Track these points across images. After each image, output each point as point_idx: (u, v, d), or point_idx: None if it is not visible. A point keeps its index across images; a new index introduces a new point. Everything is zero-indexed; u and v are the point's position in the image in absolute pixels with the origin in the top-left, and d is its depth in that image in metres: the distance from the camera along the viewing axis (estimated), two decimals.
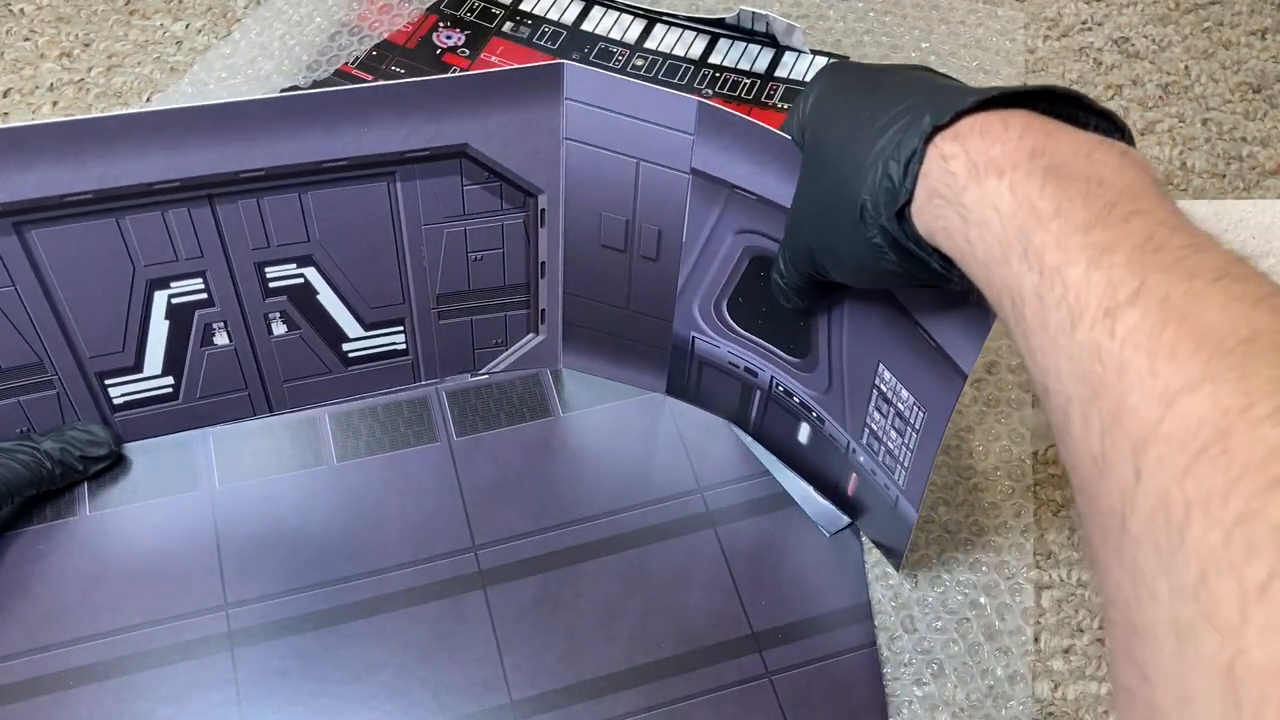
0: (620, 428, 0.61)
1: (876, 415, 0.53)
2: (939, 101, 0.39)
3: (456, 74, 0.51)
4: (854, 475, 0.56)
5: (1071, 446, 0.32)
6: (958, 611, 0.55)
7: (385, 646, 0.53)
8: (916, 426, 0.50)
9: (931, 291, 0.47)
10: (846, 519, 0.58)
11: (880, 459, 0.54)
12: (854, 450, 0.56)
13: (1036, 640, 0.55)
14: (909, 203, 0.39)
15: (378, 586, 0.55)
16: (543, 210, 0.57)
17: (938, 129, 0.38)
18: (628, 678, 0.53)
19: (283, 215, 0.54)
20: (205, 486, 0.58)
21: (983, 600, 0.56)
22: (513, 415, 0.61)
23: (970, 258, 0.37)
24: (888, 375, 0.51)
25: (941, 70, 0.76)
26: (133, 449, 0.59)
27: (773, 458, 0.60)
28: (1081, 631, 0.55)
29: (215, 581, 0.55)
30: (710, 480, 0.59)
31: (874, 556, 0.57)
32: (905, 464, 0.52)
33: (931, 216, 0.39)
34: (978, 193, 0.37)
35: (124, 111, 0.48)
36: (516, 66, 0.53)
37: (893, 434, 0.52)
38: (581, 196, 0.56)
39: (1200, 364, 0.28)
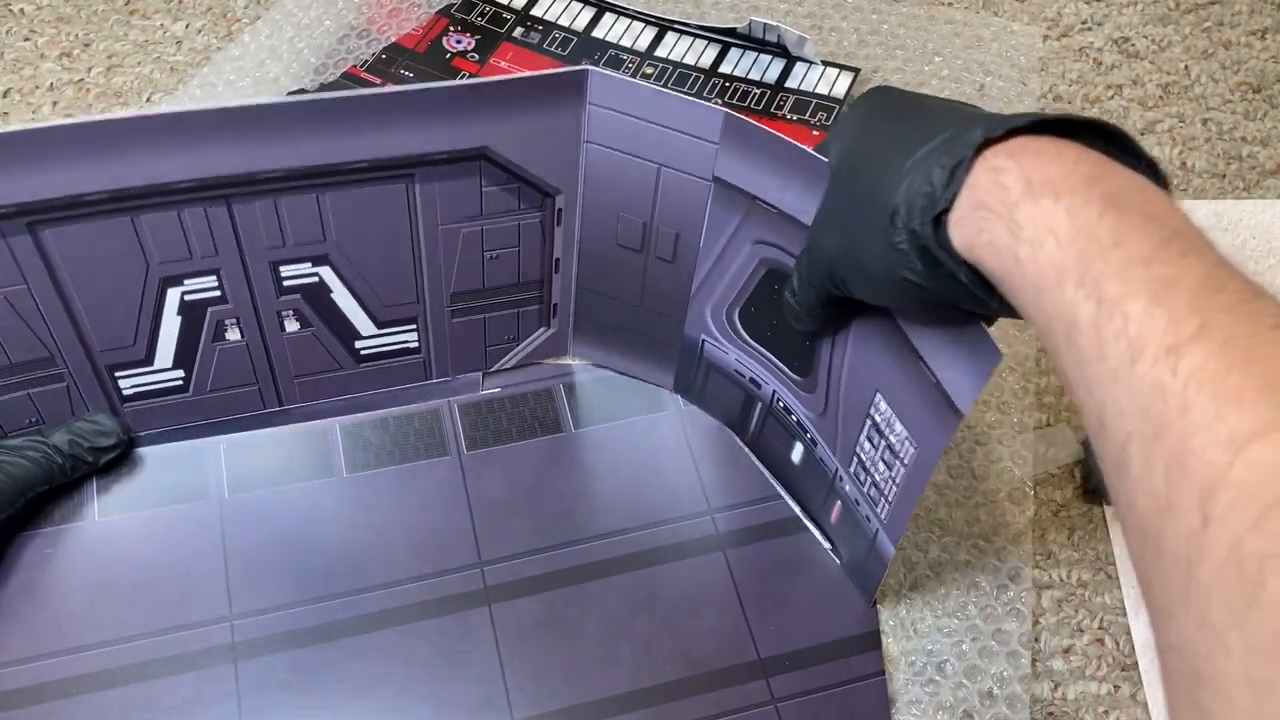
0: (632, 446, 0.61)
1: (867, 445, 0.52)
2: (989, 119, 0.39)
3: (481, 80, 0.52)
4: (838, 504, 0.56)
5: (1130, 485, 0.31)
6: (957, 612, 0.56)
7: (388, 662, 0.53)
8: (905, 461, 0.50)
9: (938, 328, 0.46)
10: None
11: (866, 490, 0.53)
12: (841, 478, 0.55)
13: (1036, 640, 0.55)
14: (947, 210, 0.39)
15: (383, 601, 0.55)
16: (559, 210, 0.57)
17: (989, 141, 0.38)
18: (631, 700, 0.52)
19: (300, 216, 0.54)
20: (214, 495, 0.58)
21: (982, 600, 0.56)
22: (524, 430, 0.61)
23: (1018, 277, 0.37)
24: (884, 406, 0.51)
25: (953, 82, 0.78)
26: (144, 455, 0.59)
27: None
28: (1081, 631, 0.56)
29: (221, 592, 0.55)
30: (721, 502, 0.59)
31: None
32: (890, 498, 0.52)
33: (975, 229, 0.38)
34: (1032, 211, 0.36)
35: (144, 113, 0.48)
36: (542, 73, 0.53)
37: (881, 466, 0.52)
38: (599, 197, 0.56)
39: (1267, 410, 0.28)
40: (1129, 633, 0.56)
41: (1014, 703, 0.53)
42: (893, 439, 0.50)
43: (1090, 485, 0.60)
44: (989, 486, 0.60)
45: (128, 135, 0.49)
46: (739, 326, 0.57)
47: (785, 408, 0.57)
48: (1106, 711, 0.53)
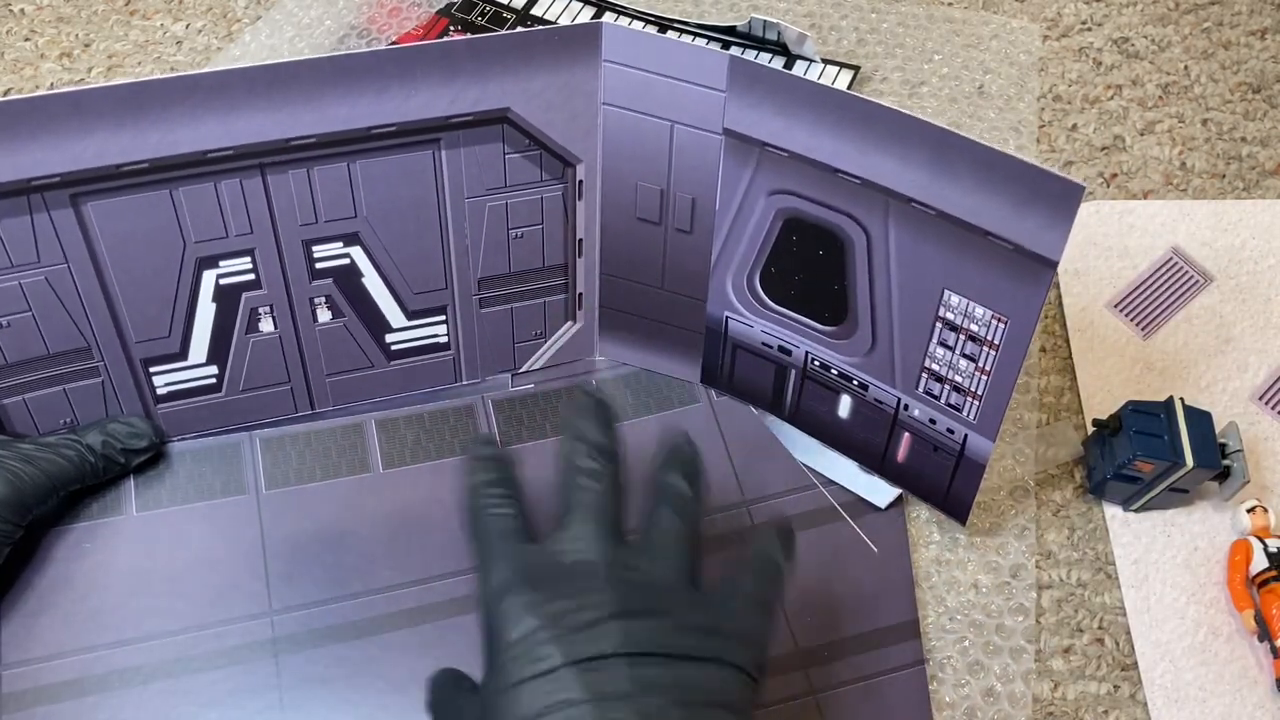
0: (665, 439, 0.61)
1: (940, 351, 0.53)
2: None
3: (501, 33, 0.53)
4: (905, 437, 0.57)
5: None
6: (957, 612, 0.56)
7: (428, 656, 0.52)
8: (995, 342, 0.51)
9: (998, 196, 0.47)
10: (897, 490, 0.59)
11: (944, 401, 0.54)
12: (907, 407, 0.56)
13: (1036, 640, 0.56)
14: None
15: (422, 596, 0.56)
16: (580, 182, 0.58)
17: None
18: None
19: (331, 187, 0.54)
20: (251, 491, 0.59)
21: (982, 600, 0.57)
22: (558, 425, 0.61)
23: None
24: (955, 300, 0.51)
25: (952, 80, 0.78)
26: (180, 450, 0.60)
27: (813, 445, 0.61)
28: (1081, 631, 0.56)
29: (260, 587, 0.55)
30: (756, 494, 0.59)
31: None
32: (979, 392, 0.53)
33: None
34: None
35: (181, 75, 0.50)
36: (558, 26, 0.54)
37: (963, 364, 0.53)
38: (618, 166, 0.57)
39: None
40: (1129, 633, 0.56)
41: (1016, 701, 0.53)
42: (975, 327, 0.51)
43: (1090, 485, 0.60)
44: (990, 484, 0.60)
45: (166, 99, 0.49)
46: (761, 293, 0.58)
47: (822, 365, 0.58)
48: (1106, 711, 0.54)
